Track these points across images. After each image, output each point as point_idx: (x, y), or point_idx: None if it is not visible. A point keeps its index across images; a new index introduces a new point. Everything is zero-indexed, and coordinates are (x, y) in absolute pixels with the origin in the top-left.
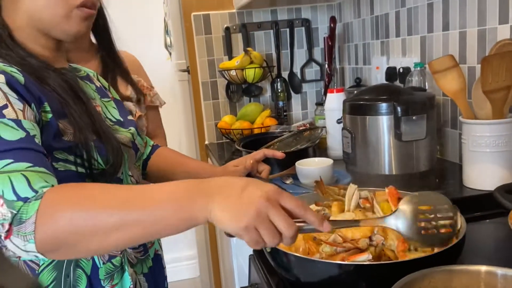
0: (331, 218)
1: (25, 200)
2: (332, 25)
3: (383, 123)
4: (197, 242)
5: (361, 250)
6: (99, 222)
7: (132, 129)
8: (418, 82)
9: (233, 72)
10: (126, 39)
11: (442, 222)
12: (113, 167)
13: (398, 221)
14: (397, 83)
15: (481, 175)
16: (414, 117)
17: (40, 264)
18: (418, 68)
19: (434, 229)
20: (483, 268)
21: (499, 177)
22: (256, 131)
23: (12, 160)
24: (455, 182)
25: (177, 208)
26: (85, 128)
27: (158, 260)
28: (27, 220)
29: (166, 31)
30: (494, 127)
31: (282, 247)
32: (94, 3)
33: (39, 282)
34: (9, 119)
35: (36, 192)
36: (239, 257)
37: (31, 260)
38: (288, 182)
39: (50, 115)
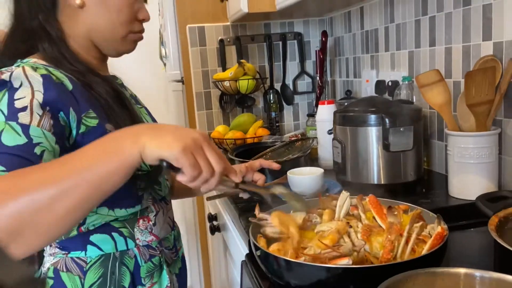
0: (319, 226)
1: None
2: (323, 39)
3: (372, 134)
4: (189, 252)
5: (342, 255)
6: (38, 198)
7: None
8: (406, 95)
9: (226, 83)
10: None
11: None
12: (156, 170)
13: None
14: (386, 95)
15: (466, 185)
16: (401, 129)
17: (88, 262)
18: (406, 82)
19: None
20: (462, 270)
21: (482, 187)
22: (249, 141)
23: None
24: (441, 192)
25: (106, 154)
26: None
27: (183, 261)
28: None
29: (161, 42)
30: (478, 139)
31: (272, 251)
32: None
33: (35, 277)
34: (18, 123)
35: None
36: (231, 264)
37: (78, 257)
38: (279, 191)
39: (96, 121)
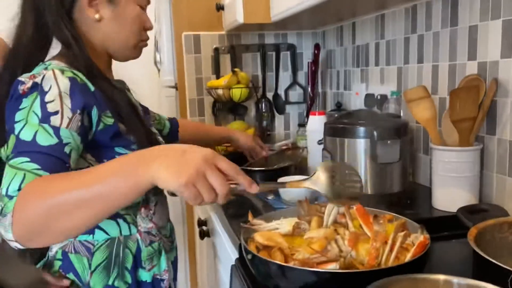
0: (308, 233)
1: (10, 197)
2: (316, 51)
3: (361, 145)
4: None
5: (329, 260)
6: (61, 205)
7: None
8: (394, 109)
9: (220, 91)
10: None
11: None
12: None
13: (317, 183)
14: (375, 109)
15: (448, 197)
16: (388, 142)
17: (95, 245)
18: (395, 96)
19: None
20: (442, 277)
21: (463, 200)
22: None
23: (28, 160)
24: (425, 204)
25: (124, 177)
26: (142, 137)
27: (177, 254)
28: (8, 214)
29: (156, 48)
30: (461, 154)
31: (262, 254)
32: None
33: (43, 278)
34: (50, 125)
35: (13, 194)
36: (220, 268)
37: (86, 240)
38: (270, 198)
39: (112, 120)
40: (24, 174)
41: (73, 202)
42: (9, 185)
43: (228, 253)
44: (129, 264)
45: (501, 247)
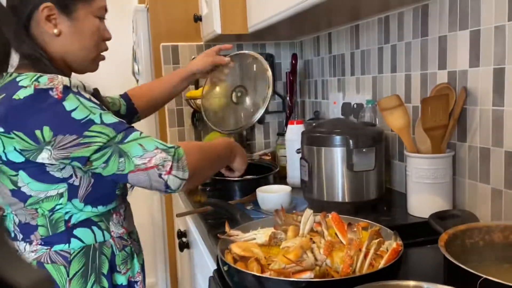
0: (284, 242)
1: (174, 147)
2: (293, 61)
3: (337, 154)
4: (156, 269)
5: (305, 270)
6: (212, 159)
7: None
8: (370, 117)
9: (199, 101)
10: None
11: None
12: None
13: None
14: (352, 117)
15: (422, 203)
16: (364, 150)
17: (71, 253)
18: (370, 105)
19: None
20: (412, 283)
21: (437, 206)
22: None
23: (140, 131)
24: (401, 210)
25: (230, 150)
26: None
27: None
28: (182, 158)
29: (134, 59)
30: (433, 161)
31: (239, 265)
32: None
33: (48, 278)
34: (108, 112)
35: (173, 145)
36: (200, 280)
37: (62, 250)
38: (248, 207)
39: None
40: (156, 140)
41: (216, 158)
42: (162, 144)
43: (207, 264)
44: (105, 269)
45: (471, 253)
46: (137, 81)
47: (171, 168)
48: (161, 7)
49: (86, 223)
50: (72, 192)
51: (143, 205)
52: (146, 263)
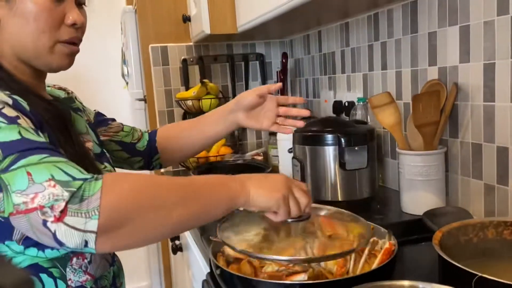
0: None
1: (84, 179)
2: (284, 60)
3: (329, 153)
4: (151, 272)
5: (298, 272)
6: (163, 197)
7: (107, 165)
8: (361, 115)
9: (189, 102)
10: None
11: None
12: None
13: None
14: (343, 115)
15: (415, 201)
16: (356, 148)
17: None
18: (361, 103)
19: None
20: (407, 283)
21: (430, 203)
22: (211, 159)
23: (47, 155)
24: (394, 208)
25: (225, 187)
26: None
27: None
28: (92, 196)
29: (123, 61)
30: (426, 157)
31: (231, 269)
32: (80, 40)
33: (30, 278)
34: (26, 127)
35: (91, 176)
36: (193, 283)
37: None
38: (241, 208)
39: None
40: (69, 164)
41: (175, 198)
42: (65, 173)
43: (200, 267)
44: None
45: (466, 249)
46: (127, 83)
47: (63, 212)
48: (149, 8)
49: (33, 269)
50: (3, 232)
51: None
52: (140, 265)
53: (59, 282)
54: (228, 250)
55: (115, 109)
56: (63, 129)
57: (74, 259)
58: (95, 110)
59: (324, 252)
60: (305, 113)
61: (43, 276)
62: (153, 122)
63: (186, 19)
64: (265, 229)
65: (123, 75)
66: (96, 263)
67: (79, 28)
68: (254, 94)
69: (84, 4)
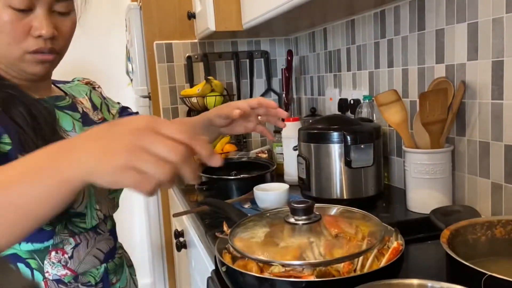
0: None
1: None
2: (289, 57)
3: (335, 150)
4: (154, 269)
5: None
6: None
7: None
8: (367, 113)
9: (194, 100)
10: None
11: None
12: (73, 203)
13: None
14: (349, 113)
15: (422, 199)
16: (362, 146)
17: None
18: (367, 101)
19: None
20: (415, 281)
21: (437, 201)
22: None
23: None
24: (400, 206)
25: (37, 172)
26: None
27: None
28: None
29: (128, 58)
30: (432, 156)
31: (237, 266)
32: (53, 49)
33: (37, 286)
34: None
35: None
36: (197, 280)
37: None
38: (246, 206)
39: (8, 147)
40: None
41: None
42: None
43: (205, 264)
44: None
45: (474, 248)
46: (131, 80)
47: None
48: (154, 4)
49: (11, 258)
50: None
51: (139, 204)
52: (144, 263)
53: (36, 273)
54: (237, 243)
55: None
56: (38, 125)
57: (53, 253)
58: (119, 104)
59: (331, 252)
60: (283, 114)
61: (21, 265)
62: None
63: (191, 16)
64: (270, 228)
65: (127, 72)
66: (79, 259)
67: (51, 39)
68: (230, 113)
69: (66, 13)
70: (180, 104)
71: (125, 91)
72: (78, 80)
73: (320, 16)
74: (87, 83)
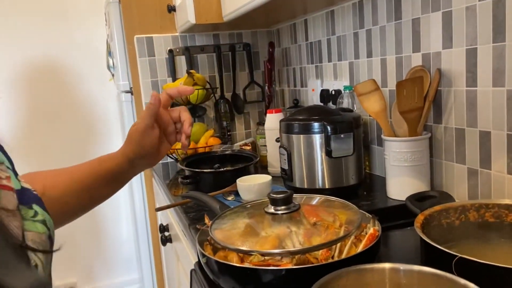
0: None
1: None
2: (271, 49)
3: (315, 141)
4: (142, 265)
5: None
6: None
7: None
8: (348, 103)
9: None
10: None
11: None
12: None
13: None
14: (331, 104)
15: (401, 186)
16: (342, 135)
17: None
18: (348, 91)
19: None
20: (388, 265)
21: (415, 188)
22: (200, 150)
23: None
24: (381, 194)
25: None
26: None
27: None
28: None
29: (109, 53)
30: (410, 143)
31: (218, 257)
32: None
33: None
34: None
35: None
36: (183, 274)
37: None
38: (230, 198)
39: None
40: None
41: None
42: None
43: (189, 257)
44: None
45: (449, 232)
46: (113, 75)
47: None
48: None
49: None
50: None
51: (125, 199)
52: (131, 258)
53: None
54: (218, 235)
55: (102, 102)
56: None
57: None
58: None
59: (310, 240)
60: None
61: None
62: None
63: (171, 9)
64: (250, 219)
65: (108, 67)
66: None
67: None
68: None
69: None
70: None
71: (107, 87)
72: None
73: (300, 6)
74: None
